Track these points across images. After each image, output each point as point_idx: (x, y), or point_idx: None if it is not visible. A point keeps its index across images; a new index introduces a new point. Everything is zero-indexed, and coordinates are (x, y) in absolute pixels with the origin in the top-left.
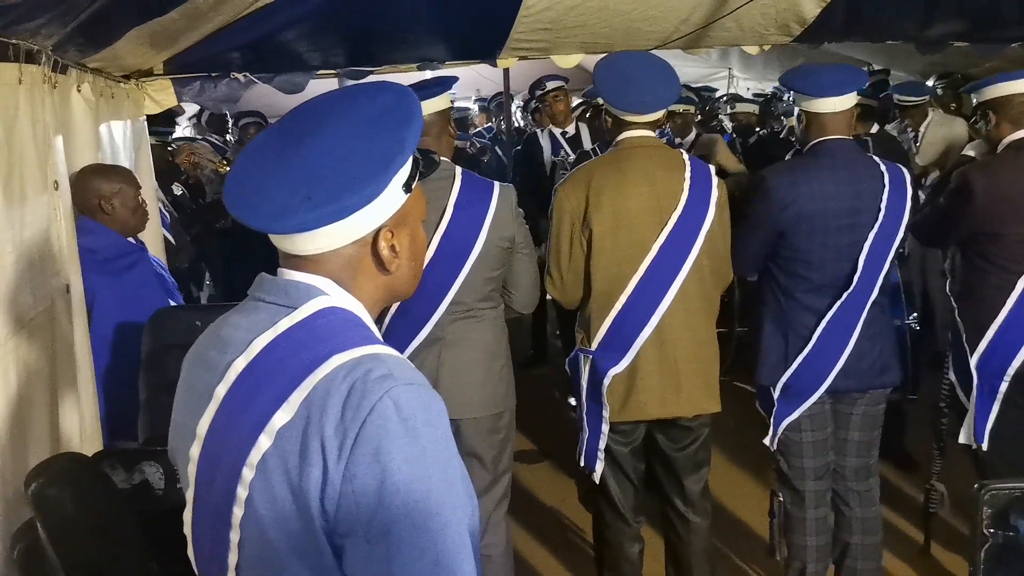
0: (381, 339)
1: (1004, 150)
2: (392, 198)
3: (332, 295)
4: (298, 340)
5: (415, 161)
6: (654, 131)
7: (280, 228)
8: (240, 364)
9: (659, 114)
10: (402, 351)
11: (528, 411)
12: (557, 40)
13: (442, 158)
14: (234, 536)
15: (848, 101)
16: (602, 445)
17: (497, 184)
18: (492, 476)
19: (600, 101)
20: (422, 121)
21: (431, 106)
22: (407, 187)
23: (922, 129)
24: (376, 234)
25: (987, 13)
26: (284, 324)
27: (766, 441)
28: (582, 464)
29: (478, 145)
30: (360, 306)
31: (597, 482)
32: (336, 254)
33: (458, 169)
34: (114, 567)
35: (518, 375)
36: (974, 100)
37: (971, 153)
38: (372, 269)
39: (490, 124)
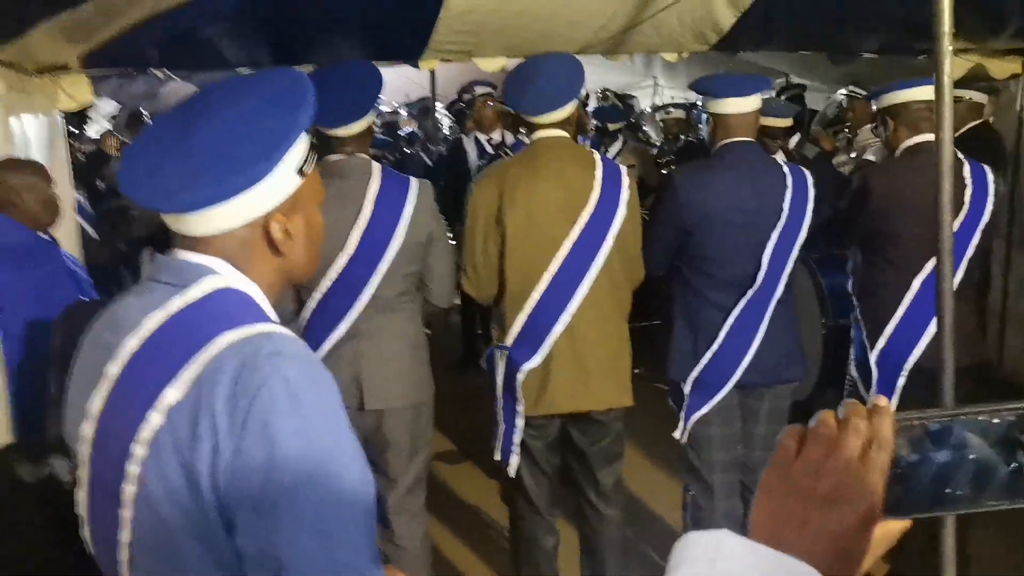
0: (276, 319)
1: (902, 154)
2: (284, 181)
3: (225, 275)
4: (190, 319)
5: (311, 146)
6: (565, 131)
7: (168, 207)
8: (132, 344)
9: (563, 113)
10: (321, 345)
11: (452, 411)
12: (480, 43)
13: (360, 154)
14: (126, 513)
15: (751, 103)
16: (517, 439)
17: (414, 180)
18: (409, 465)
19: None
20: (314, 105)
21: None
22: (301, 171)
23: (860, 131)
24: (269, 216)
25: (895, 26)
26: (177, 304)
27: (676, 435)
28: (498, 458)
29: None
30: (255, 287)
31: (512, 476)
32: (229, 235)
33: (375, 165)
34: (16, 558)
35: (448, 376)
36: (873, 107)
37: (871, 157)
38: (266, 251)
39: (412, 128)
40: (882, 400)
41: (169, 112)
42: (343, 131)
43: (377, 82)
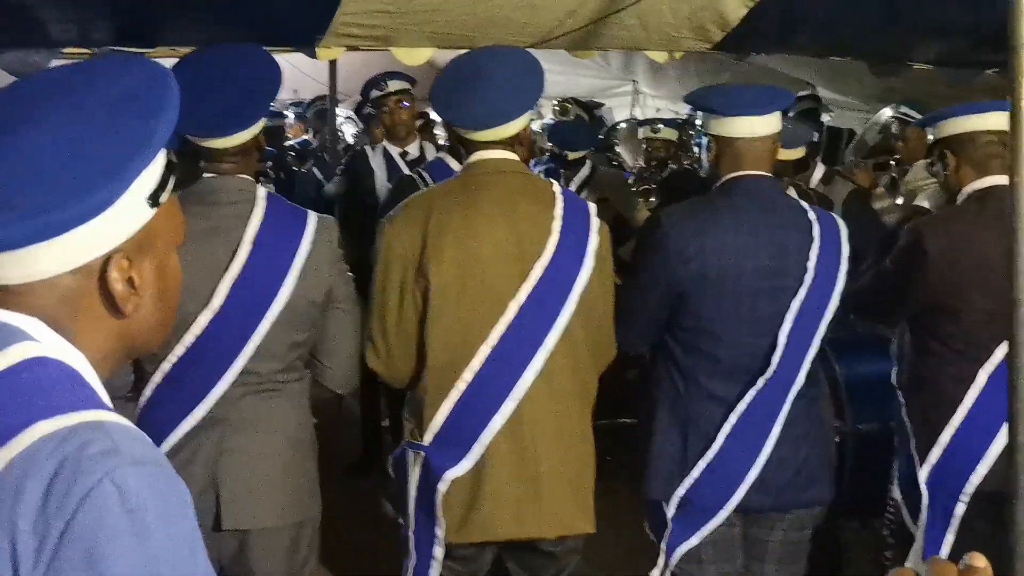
0: (109, 404)
1: (965, 202)
2: (131, 213)
3: (42, 341)
4: None
5: (168, 166)
6: (515, 152)
7: None
8: None
9: (513, 129)
10: (166, 435)
11: (345, 533)
12: (401, 27)
13: (242, 176)
14: None
15: (769, 125)
16: (434, 575)
17: (313, 215)
18: None
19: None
20: (176, 111)
21: None
22: (154, 199)
23: (912, 168)
24: (106, 261)
25: (958, 31)
26: None
27: (655, 574)
28: None
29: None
30: (81, 358)
31: None
32: (49, 286)
33: (261, 191)
34: None
35: (339, 482)
36: (929, 137)
37: (926, 204)
38: (100, 309)
39: (307, 137)
40: (979, 560)
41: None
42: (221, 142)
43: (273, 75)
